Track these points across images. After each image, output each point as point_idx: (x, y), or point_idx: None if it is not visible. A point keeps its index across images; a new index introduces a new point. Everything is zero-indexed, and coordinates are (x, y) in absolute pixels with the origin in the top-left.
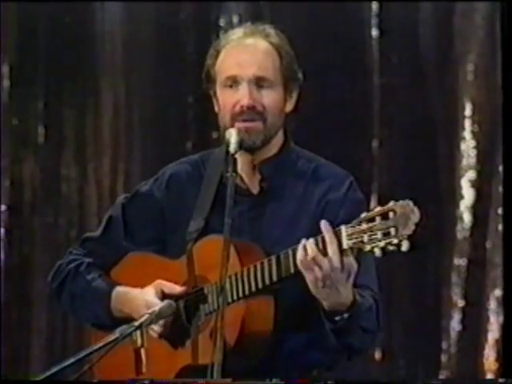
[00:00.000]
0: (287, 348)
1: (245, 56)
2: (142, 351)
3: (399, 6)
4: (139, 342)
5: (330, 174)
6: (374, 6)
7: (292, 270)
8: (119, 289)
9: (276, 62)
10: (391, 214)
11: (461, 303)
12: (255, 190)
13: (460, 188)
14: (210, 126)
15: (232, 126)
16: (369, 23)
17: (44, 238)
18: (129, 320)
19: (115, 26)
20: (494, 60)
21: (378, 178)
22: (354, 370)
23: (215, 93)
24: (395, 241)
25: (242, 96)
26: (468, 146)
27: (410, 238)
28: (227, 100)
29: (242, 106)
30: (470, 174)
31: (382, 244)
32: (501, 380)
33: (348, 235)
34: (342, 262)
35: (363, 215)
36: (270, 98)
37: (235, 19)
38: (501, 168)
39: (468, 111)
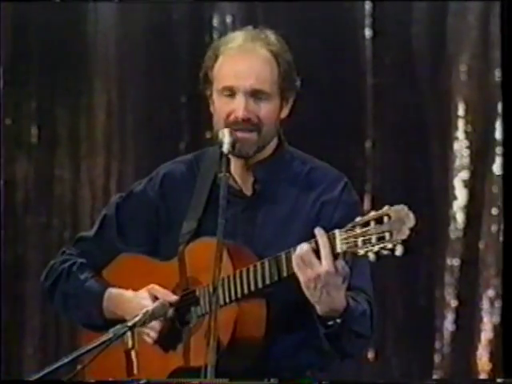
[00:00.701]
0: (280, 349)
1: (243, 66)
2: (133, 353)
3: (392, 6)
4: (130, 343)
5: (323, 176)
6: (367, 6)
7: (285, 274)
8: (112, 290)
9: (274, 72)
10: (386, 219)
11: (454, 303)
12: (248, 191)
13: (453, 188)
14: (203, 125)
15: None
16: (362, 23)
17: (37, 238)
18: (121, 322)
19: (108, 26)
20: (487, 60)
21: (372, 179)
22: (347, 371)
23: (211, 94)
24: (389, 245)
25: (237, 106)
26: (461, 146)
27: (404, 242)
28: (222, 108)
29: (236, 117)
30: (463, 174)
31: (376, 248)
32: (498, 380)
33: (342, 239)
34: (335, 265)
35: (358, 219)
36: (265, 109)
37: (228, 19)
38: (494, 168)
39: (461, 111)
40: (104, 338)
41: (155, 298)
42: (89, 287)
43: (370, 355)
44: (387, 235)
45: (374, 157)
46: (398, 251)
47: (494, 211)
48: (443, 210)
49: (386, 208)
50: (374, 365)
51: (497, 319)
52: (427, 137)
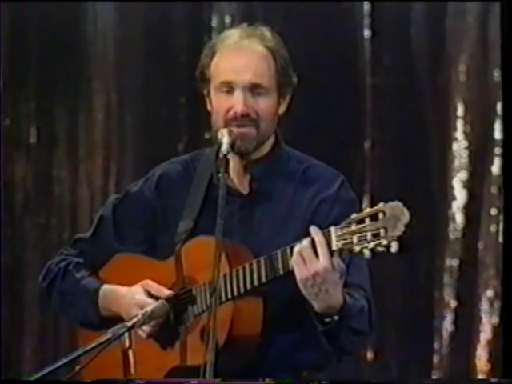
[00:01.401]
0: (277, 348)
1: (241, 61)
2: (130, 352)
3: (391, 6)
4: (127, 343)
5: (320, 174)
6: (366, 6)
7: (281, 272)
8: (107, 287)
9: (271, 68)
10: (381, 215)
11: (453, 304)
12: (245, 190)
13: (452, 188)
14: (202, 126)
15: (225, 128)
16: (361, 24)
17: (36, 239)
18: (117, 319)
19: (107, 26)
20: (485, 60)
21: (370, 179)
22: (345, 371)
23: (209, 93)
24: (384, 242)
25: (236, 102)
26: (460, 147)
27: (399, 239)
28: (221, 104)
29: (235, 113)
30: (462, 175)
31: (371, 245)
32: (493, 380)
33: (337, 236)
34: (331, 262)
35: (353, 216)
36: (264, 104)
37: (227, 20)
38: (493, 168)
39: (460, 112)
40: (103, 338)
41: (149, 294)
42: (84, 285)
43: (369, 355)
44: (382, 232)
45: (372, 157)
46: (393, 248)
47: (493, 212)
48: (442, 211)
49: (380, 205)
50: (372, 365)
51: (496, 320)
52: (426, 137)
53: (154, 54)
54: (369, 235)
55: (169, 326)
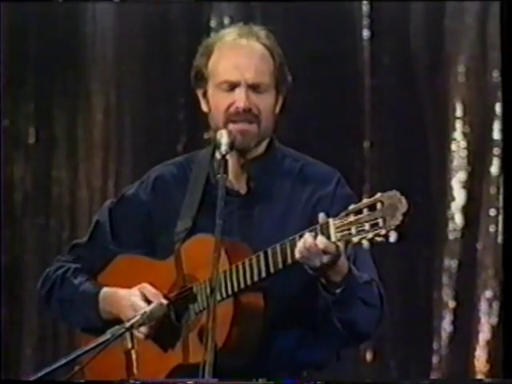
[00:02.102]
0: (277, 348)
1: (242, 59)
2: (133, 353)
3: (390, 6)
4: (129, 344)
5: (316, 172)
6: (365, 6)
7: (280, 266)
8: (106, 290)
9: (270, 65)
10: (379, 205)
11: (452, 304)
12: (243, 189)
13: (451, 189)
14: (201, 127)
15: (225, 127)
16: (360, 24)
17: (35, 239)
18: (118, 321)
19: (106, 27)
20: (485, 61)
21: (370, 179)
22: (344, 371)
23: (205, 92)
24: (383, 232)
25: (238, 98)
26: (459, 147)
27: (397, 228)
28: (222, 101)
29: (237, 108)
30: (461, 175)
31: (369, 235)
32: (492, 381)
33: (336, 228)
34: (330, 248)
35: (351, 207)
36: (265, 101)
37: (226, 20)
38: (492, 169)
39: (459, 112)
40: (102, 338)
41: (145, 297)
42: (84, 290)
43: (368, 356)
44: (380, 221)
45: (372, 157)
46: (392, 237)
47: (492, 212)
48: (441, 211)
49: (378, 195)
50: (371, 365)
51: (495, 320)
52: (425, 138)
53: (153, 54)
54: (367, 225)
55: (170, 324)
